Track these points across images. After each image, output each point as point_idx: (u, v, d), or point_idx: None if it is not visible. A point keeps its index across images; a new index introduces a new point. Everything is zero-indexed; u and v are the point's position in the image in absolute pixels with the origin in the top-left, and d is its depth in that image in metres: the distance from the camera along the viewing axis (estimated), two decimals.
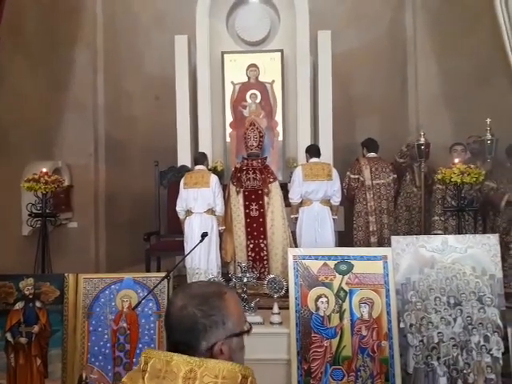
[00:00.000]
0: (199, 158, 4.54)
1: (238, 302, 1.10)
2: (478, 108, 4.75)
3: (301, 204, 4.34)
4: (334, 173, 4.35)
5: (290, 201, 4.38)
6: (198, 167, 4.43)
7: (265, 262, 4.26)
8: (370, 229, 4.74)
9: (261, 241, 4.28)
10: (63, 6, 5.08)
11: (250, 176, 4.31)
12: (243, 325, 1.07)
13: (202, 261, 4.08)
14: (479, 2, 4.40)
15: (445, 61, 5.44)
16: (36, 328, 2.90)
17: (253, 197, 4.32)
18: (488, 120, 4.35)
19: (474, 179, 3.66)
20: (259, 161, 4.39)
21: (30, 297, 2.94)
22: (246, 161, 4.40)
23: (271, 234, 4.29)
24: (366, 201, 4.79)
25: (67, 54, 5.17)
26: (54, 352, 2.87)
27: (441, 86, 5.52)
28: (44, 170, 4.04)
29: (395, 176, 4.90)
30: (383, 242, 4.66)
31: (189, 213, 4.22)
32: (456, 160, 3.91)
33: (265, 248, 4.27)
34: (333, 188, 4.31)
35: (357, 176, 4.85)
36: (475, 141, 4.68)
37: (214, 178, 4.22)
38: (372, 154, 4.93)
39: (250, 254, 4.26)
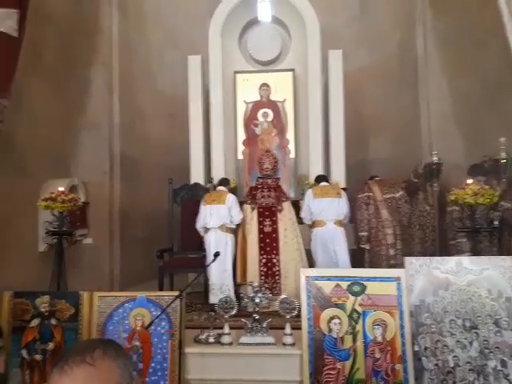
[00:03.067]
0: (222, 181, 4.86)
1: None
2: (490, 126, 4.73)
3: (315, 224, 4.42)
4: (343, 192, 4.56)
5: (303, 220, 4.52)
6: (219, 188, 4.70)
7: (276, 278, 4.28)
8: (388, 242, 4.76)
9: (273, 256, 4.32)
10: (80, 29, 5.23)
11: (265, 193, 4.49)
12: None
13: (216, 277, 4.16)
14: (488, 21, 4.42)
15: (456, 79, 5.45)
16: (51, 345, 2.93)
17: (267, 213, 4.42)
18: (502, 139, 4.33)
19: (488, 200, 3.63)
20: (273, 180, 4.61)
21: (46, 314, 2.98)
22: (260, 179, 4.61)
23: (284, 251, 4.32)
24: (380, 214, 4.83)
25: (83, 74, 5.30)
26: None
27: (452, 105, 5.52)
28: (61, 188, 4.13)
29: (403, 193, 4.97)
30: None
31: (206, 229, 4.38)
32: (469, 180, 3.88)
33: (277, 263, 4.30)
34: (342, 210, 4.41)
35: (368, 194, 4.98)
36: (490, 159, 4.64)
37: (230, 196, 4.46)
38: (377, 178, 5.17)
39: (262, 268, 4.29)
